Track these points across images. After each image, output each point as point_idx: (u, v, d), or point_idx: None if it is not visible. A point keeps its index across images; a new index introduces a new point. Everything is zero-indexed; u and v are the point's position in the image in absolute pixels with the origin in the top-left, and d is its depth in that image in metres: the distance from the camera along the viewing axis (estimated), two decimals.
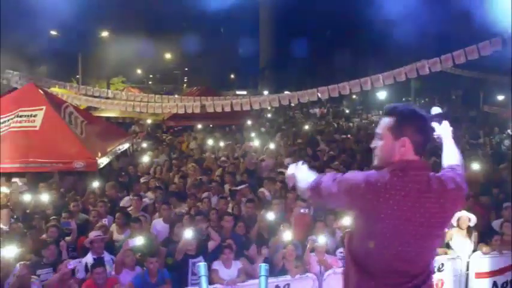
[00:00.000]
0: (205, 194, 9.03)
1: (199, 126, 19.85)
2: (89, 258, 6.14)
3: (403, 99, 32.86)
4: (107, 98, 16.37)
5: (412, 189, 2.13)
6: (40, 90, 11.29)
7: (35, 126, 9.94)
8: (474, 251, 6.80)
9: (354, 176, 2.24)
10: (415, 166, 2.19)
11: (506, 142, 15.63)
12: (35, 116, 10.15)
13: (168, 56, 51.33)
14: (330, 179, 2.27)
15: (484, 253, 6.66)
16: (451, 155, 2.64)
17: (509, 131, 17.20)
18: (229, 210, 7.95)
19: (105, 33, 32.62)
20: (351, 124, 24.18)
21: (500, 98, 22.58)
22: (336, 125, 23.25)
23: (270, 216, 7.04)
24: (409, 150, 2.22)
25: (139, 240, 6.20)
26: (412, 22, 22.68)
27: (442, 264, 6.57)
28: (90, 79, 34.10)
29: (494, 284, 6.68)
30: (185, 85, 49.88)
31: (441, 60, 10.68)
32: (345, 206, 2.45)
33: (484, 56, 10.43)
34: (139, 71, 48.60)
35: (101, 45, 34.18)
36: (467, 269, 6.75)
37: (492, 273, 6.67)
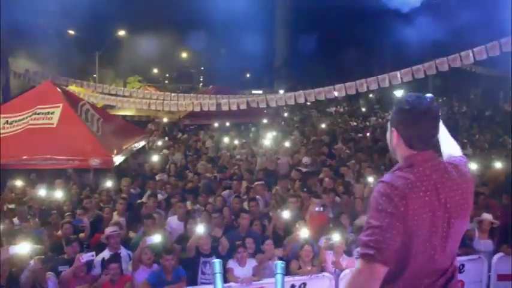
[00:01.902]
0: (225, 192, 9.02)
1: (216, 124, 19.84)
2: (105, 254, 6.15)
3: None
4: (123, 96, 16.44)
5: (431, 182, 2.02)
6: (57, 88, 11.37)
7: (52, 124, 9.98)
8: (496, 252, 6.61)
9: (376, 213, 1.98)
10: (417, 160, 2.08)
11: None
12: (52, 113, 10.20)
13: (184, 55, 51.54)
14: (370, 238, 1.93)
15: (507, 254, 6.48)
16: (450, 146, 2.52)
17: None
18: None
19: (122, 32, 32.83)
20: (367, 123, 23.91)
21: None
22: (352, 124, 23.03)
23: (286, 214, 6.95)
24: (400, 143, 2.14)
25: (156, 238, 6.18)
26: (433, 18, 22.30)
27: (463, 265, 6.40)
28: (107, 78, 34.38)
29: None
30: (201, 84, 50.03)
31: (461, 57, 10.45)
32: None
33: (505, 52, 10.16)
34: (155, 70, 48.90)
35: (117, 45, 34.44)
36: (489, 271, 6.57)
37: None
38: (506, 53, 11.07)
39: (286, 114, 26.83)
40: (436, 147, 2.32)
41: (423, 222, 1.98)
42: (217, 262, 3.73)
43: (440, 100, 37.81)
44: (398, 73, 11.02)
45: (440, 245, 2.04)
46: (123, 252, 6.25)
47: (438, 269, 2.08)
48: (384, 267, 1.90)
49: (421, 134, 2.10)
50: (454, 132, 2.88)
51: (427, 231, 1.99)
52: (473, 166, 9.20)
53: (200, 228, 6.23)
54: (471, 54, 10.49)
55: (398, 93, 24.94)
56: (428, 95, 2.18)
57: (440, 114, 2.16)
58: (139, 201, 8.61)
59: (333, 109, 32.46)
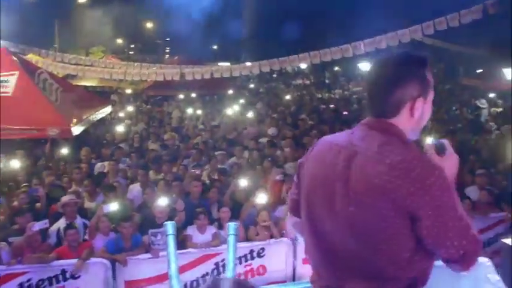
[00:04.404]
0: (185, 161, 9.04)
1: (181, 95, 19.61)
2: (61, 223, 6.05)
3: None
4: (85, 65, 15.98)
5: None
6: (13, 56, 10.93)
7: (7, 92, 9.65)
8: None
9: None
10: None
11: (484, 112, 15.82)
12: (7, 81, 9.84)
13: (149, 25, 50.19)
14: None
15: None
16: None
17: (477, 102, 17.36)
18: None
19: (82, 0, 31.65)
20: (332, 95, 24.16)
21: (479, 71, 22.74)
22: (318, 96, 23.21)
23: (243, 182, 6.99)
24: None
25: (113, 206, 6.13)
26: None
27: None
28: (68, 49, 33.23)
29: None
30: (167, 56, 49.03)
31: (423, 28, 10.61)
32: None
33: (464, 24, 10.38)
34: (119, 41, 47.51)
35: (79, 14, 33.24)
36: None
37: None
38: (468, 28, 11.38)
39: (252, 86, 26.78)
40: None
41: None
42: (169, 224, 3.75)
43: None
44: (361, 43, 11.12)
45: None
46: (79, 221, 6.18)
47: None
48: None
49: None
50: None
51: None
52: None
53: (163, 201, 6.22)
54: (432, 25, 10.68)
55: (363, 65, 25.19)
56: None
57: None
58: (100, 171, 8.49)
59: (299, 81, 32.57)
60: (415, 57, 1.72)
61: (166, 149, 10.10)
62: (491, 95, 19.08)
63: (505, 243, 3.49)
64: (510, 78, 15.44)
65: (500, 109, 16.73)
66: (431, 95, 1.73)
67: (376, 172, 1.56)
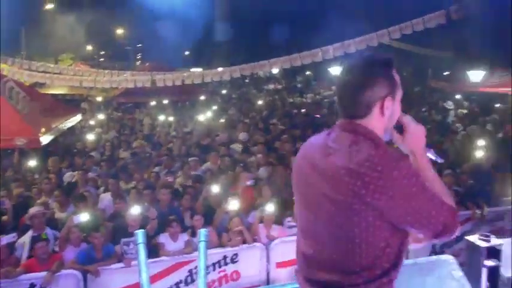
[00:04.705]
0: (156, 169, 8.97)
1: (152, 102, 19.44)
2: (29, 235, 5.92)
3: None
4: (53, 73, 15.67)
5: None
6: None
7: None
8: None
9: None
10: None
11: (451, 113, 16.25)
12: None
13: (119, 31, 49.60)
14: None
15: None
16: None
17: (445, 104, 17.87)
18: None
19: (50, 6, 31.05)
20: (304, 99, 24.37)
21: (446, 73, 23.35)
22: (290, 100, 23.37)
23: (215, 189, 6.99)
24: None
25: (84, 217, 6.04)
26: None
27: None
28: (36, 56, 32.49)
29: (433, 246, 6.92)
30: (138, 62, 48.50)
31: (389, 32, 10.85)
32: None
33: (429, 28, 10.68)
34: (89, 48, 46.77)
35: (46, 20, 32.59)
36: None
37: None
38: (436, 33, 11.70)
39: (224, 92, 26.79)
40: None
41: None
42: (140, 233, 3.72)
43: None
44: (331, 47, 11.29)
45: None
46: (48, 232, 6.06)
47: None
48: None
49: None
50: None
51: None
52: None
53: (136, 209, 6.16)
54: (398, 30, 10.94)
55: (334, 70, 25.50)
56: None
57: None
58: (69, 180, 8.35)
59: (271, 86, 32.72)
60: (380, 58, 1.80)
61: (136, 157, 10.01)
62: (458, 97, 19.63)
63: (468, 241, 3.60)
64: (474, 80, 15.92)
65: (465, 110, 17.21)
66: (399, 94, 1.81)
67: (346, 170, 1.66)
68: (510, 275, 3.71)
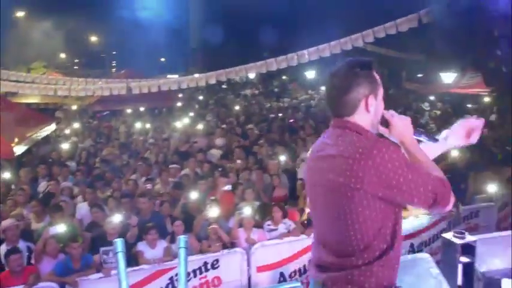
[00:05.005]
0: (133, 176, 8.89)
1: (128, 110, 19.26)
2: (2, 249, 5.79)
3: None
4: (25, 82, 15.37)
5: None
6: None
7: None
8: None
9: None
10: None
11: (425, 114, 16.57)
12: None
13: (94, 38, 49.03)
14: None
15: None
16: None
17: (422, 105, 18.24)
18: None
19: (20, 14, 30.49)
20: (281, 104, 24.49)
21: (419, 75, 23.81)
22: (267, 105, 23.46)
23: (193, 195, 6.97)
24: None
25: (61, 228, 5.93)
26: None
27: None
28: (7, 65, 31.83)
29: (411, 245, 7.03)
30: (114, 69, 48.01)
31: (363, 36, 11.02)
32: None
33: (402, 32, 10.89)
34: (63, 55, 46.05)
35: (17, 27, 31.97)
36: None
37: (410, 236, 7.02)
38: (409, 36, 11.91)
39: (201, 98, 26.72)
40: None
41: None
42: (118, 241, 3.67)
43: None
44: (306, 52, 11.40)
45: None
46: (22, 245, 5.93)
47: None
48: None
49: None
50: None
51: None
52: None
53: (117, 217, 6.10)
54: (372, 34, 11.12)
55: (310, 74, 25.71)
56: None
57: None
58: (43, 191, 8.20)
59: (248, 91, 32.81)
60: (361, 61, 1.99)
61: (110, 165, 9.89)
62: (431, 98, 20.03)
63: (444, 238, 3.69)
64: (447, 82, 16.29)
65: (439, 111, 17.58)
66: (381, 92, 2.00)
67: (337, 162, 1.86)
68: (485, 270, 3.81)
